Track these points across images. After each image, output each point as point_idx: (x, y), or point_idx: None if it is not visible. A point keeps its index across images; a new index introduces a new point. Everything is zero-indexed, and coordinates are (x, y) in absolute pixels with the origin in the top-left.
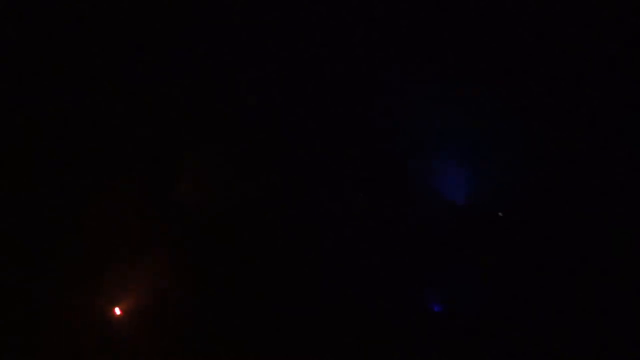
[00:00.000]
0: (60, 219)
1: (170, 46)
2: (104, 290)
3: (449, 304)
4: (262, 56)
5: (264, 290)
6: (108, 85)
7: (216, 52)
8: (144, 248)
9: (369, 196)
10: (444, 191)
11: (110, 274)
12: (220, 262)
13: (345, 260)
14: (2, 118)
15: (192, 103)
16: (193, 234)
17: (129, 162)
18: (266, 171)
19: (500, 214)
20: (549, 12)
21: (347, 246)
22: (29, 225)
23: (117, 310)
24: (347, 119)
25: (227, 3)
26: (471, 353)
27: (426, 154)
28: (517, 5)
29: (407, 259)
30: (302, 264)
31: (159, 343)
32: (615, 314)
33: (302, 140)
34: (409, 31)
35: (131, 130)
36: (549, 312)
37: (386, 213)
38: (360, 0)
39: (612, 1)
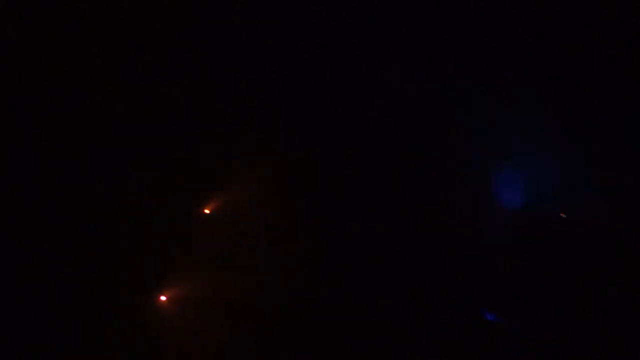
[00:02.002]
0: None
1: (170, 46)
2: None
3: (450, 304)
4: (262, 56)
5: (264, 290)
6: (108, 85)
7: (216, 52)
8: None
9: (369, 196)
10: (443, 191)
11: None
12: (220, 262)
13: (345, 260)
14: (2, 118)
15: (192, 103)
16: (191, 231)
17: (128, 162)
18: (266, 171)
19: (563, 215)
20: (549, 12)
21: (347, 246)
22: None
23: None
24: (347, 119)
25: (227, 3)
26: (471, 353)
27: (425, 154)
28: (517, 5)
29: (407, 259)
30: (303, 264)
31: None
32: (615, 314)
33: (301, 139)
34: (409, 31)
35: (131, 130)
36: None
37: (385, 213)
38: (360, 0)
39: (612, 1)
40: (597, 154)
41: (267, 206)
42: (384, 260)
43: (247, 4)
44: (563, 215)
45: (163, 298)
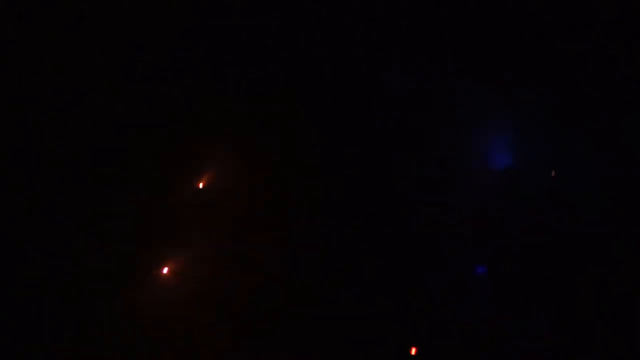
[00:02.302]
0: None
1: (170, 46)
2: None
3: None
4: (262, 56)
5: (263, 290)
6: (108, 85)
7: (216, 52)
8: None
9: (368, 197)
10: (442, 192)
11: None
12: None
13: (345, 260)
14: (2, 118)
15: (192, 103)
16: (189, 230)
17: (128, 162)
18: (266, 171)
19: (553, 173)
20: (549, 12)
21: (347, 246)
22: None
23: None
24: (347, 119)
25: (227, 3)
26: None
27: (425, 153)
28: (517, 5)
29: (406, 260)
30: (303, 263)
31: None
32: (615, 314)
33: (301, 139)
34: (409, 31)
35: (131, 130)
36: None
37: (385, 213)
38: (360, 0)
39: (612, 1)
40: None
41: (263, 207)
42: (380, 241)
43: (247, 4)
44: (553, 175)
45: (165, 270)
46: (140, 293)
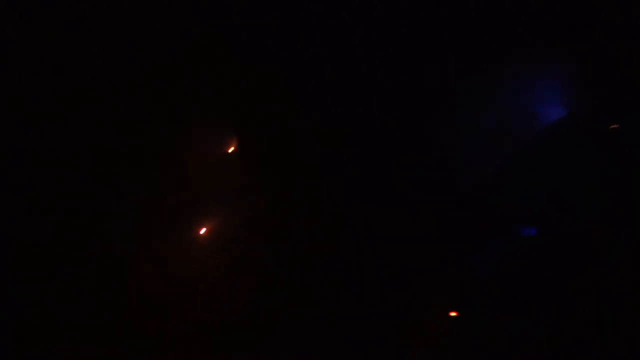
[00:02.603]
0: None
1: (169, 46)
2: None
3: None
4: (262, 56)
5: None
6: (108, 85)
7: (216, 52)
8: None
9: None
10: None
11: None
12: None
13: (345, 260)
14: (2, 118)
15: (192, 103)
16: (189, 230)
17: (127, 162)
18: (266, 171)
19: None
20: (549, 11)
21: (347, 246)
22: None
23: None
24: (347, 119)
25: (226, 3)
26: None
27: (425, 153)
28: (517, 5)
29: (407, 260)
30: (303, 263)
31: None
32: (615, 314)
33: (301, 139)
34: (409, 31)
35: (131, 130)
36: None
37: (385, 213)
38: (360, 0)
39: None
40: None
41: (264, 207)
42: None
43: (247, 4)
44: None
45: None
46: (139, 292)
